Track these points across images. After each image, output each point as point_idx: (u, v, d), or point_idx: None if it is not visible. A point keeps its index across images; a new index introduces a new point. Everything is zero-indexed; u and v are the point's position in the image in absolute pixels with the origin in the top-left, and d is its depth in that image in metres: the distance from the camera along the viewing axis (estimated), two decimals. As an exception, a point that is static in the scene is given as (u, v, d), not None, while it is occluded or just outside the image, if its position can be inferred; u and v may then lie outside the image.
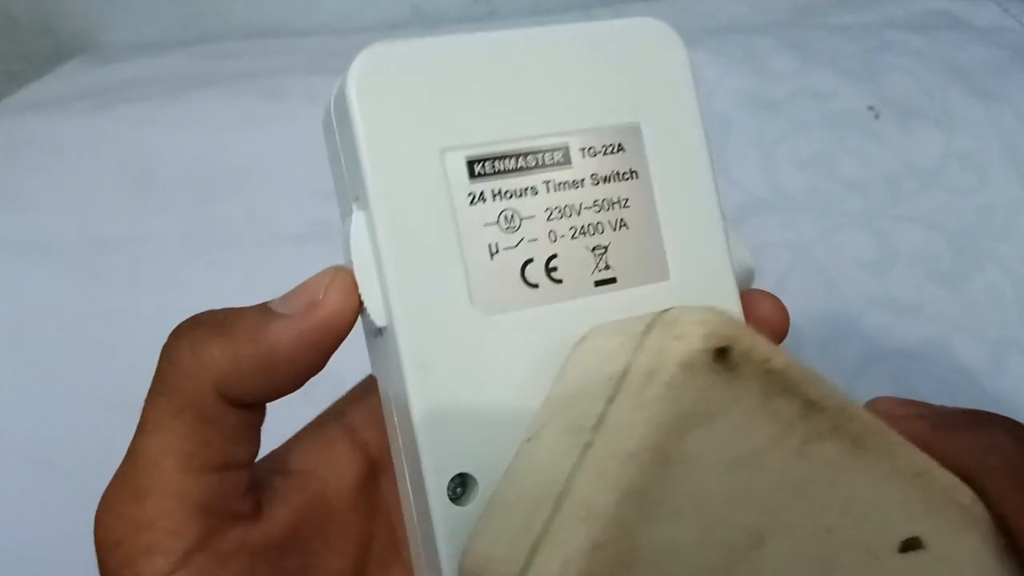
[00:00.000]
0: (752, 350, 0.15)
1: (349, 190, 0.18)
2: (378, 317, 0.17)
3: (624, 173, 0.19)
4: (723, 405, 0.15)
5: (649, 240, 0.19)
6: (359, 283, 0.17)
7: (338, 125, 0.18)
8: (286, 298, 0.18)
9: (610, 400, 0.15)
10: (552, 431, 0.17)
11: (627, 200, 0.19)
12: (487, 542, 0.16)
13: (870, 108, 0.53)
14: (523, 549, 0.15)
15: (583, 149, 0.19)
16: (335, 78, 0.18)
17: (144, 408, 0.18)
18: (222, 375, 0.17)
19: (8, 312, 0.44)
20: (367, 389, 0.23)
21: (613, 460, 0.15)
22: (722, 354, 0.15)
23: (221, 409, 0.18)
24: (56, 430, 0.40)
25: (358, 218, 0.17)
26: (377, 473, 0.22)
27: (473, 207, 0.18)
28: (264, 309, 0.18)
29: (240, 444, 0.18)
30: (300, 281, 0.18)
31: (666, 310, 0.16)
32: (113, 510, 0.18)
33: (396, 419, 0.18)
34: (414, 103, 0.17)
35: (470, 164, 0.18)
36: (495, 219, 0.18)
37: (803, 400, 0.16)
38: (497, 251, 0.18)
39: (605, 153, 0.19)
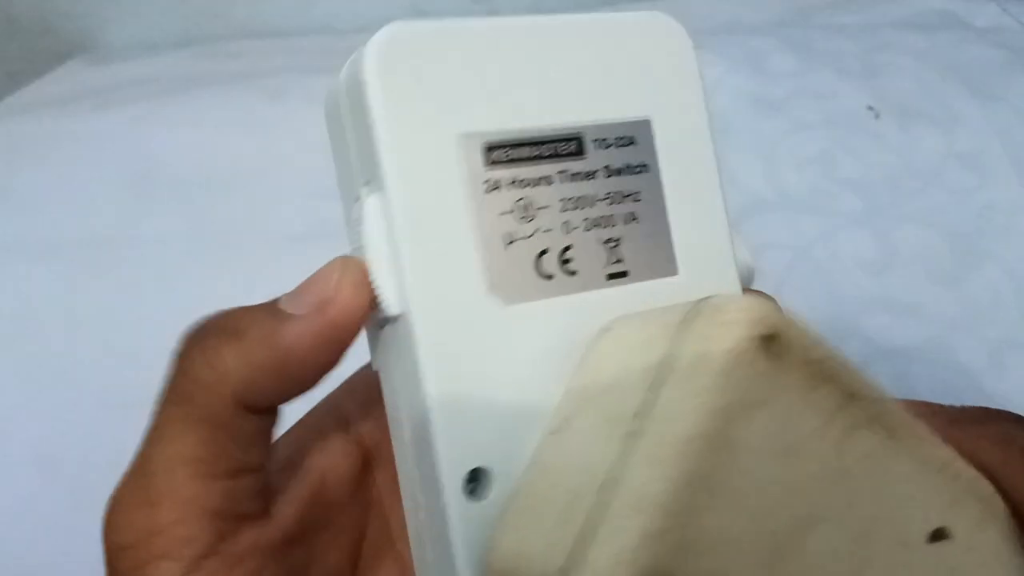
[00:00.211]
0: (796, 339, 0.15)
1: (358, 174, 0.18)
2: (391, 305, 0.17)
3: (635, 166, 0.19)
4: (770, 393, 0.15)
5: (659, 235, 0.19)
6: (371, 269, 0.17)
7: (350, 105, 0.17)
8: (296, 295, 0.17)
9: (654, 388, 0.15)
10: (584, 422, 0.16)
11: (638, 194, 0.19)
12: (518, 537, 0.16)
13: (870, 108, 0.53)
14: (564, 543, 0.15)
15: (596, 141, 0.19)
16: (335, 78, 0.18)
17: (156, 415, 0.18)
18: (238, 384, 0.17)
19: (8, 312, 0.44)
20: (360, 381, 0.22)
21: (668, 447, 0.14)
22: (769, 342, 0.15)
23: (237, 417, 0.17)
24: (57, 430, 0.40)
25: (371, 201, 0.17)
26: (371, 465, 0.21)
27: (489, 194, 0.17)
28: (275, 310, 0.17)
29: (254, 449, 0.18)
30: (301, 281, 0.18)
31: (706, 298, 0.16)
32: (124, 514, 0.17)
33: (404, 413, 0.18)
34: (431, 84, 0.17)
35: (487, 150, 0.18)
36: (510, 208, 0.18)
37: (843, 390, 0.16)
38: (512, 240, 0.18)
39: (617, 146, 0.19)
